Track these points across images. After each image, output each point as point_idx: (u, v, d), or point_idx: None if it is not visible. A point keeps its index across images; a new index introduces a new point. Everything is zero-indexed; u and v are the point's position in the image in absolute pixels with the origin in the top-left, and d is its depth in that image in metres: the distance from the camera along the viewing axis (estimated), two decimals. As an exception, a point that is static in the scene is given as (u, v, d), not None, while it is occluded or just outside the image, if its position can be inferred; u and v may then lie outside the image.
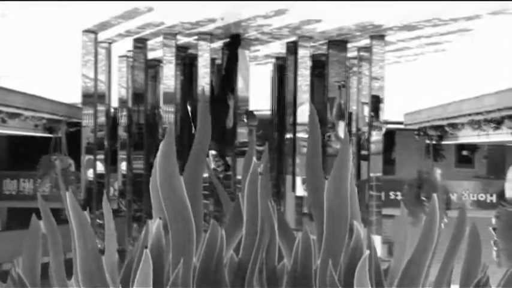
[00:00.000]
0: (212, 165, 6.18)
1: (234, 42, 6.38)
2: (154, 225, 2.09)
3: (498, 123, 10.25)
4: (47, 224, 2.16)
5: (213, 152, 6.12)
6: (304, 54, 6.29)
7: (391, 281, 2.16)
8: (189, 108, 6.59)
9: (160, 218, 2.10)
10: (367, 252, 1.99)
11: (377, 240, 6.27)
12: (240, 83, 6.53)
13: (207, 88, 6.32)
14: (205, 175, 6.83)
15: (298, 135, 6.40)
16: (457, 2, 4.77)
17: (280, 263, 2.24)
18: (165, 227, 2.08)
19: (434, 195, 2.16)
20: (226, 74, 6.63)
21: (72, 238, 2.04)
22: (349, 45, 6.45)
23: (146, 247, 2.00)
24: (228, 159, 6.32)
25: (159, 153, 2.10)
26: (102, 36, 6.37)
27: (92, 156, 6.54)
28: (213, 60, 6.94)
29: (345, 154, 2.12)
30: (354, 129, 7.15)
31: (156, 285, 1.98)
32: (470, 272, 2.26)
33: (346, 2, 4.86)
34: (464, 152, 20.04)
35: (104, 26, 5.96)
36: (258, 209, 2.09)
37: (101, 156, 6.76)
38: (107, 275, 2.03)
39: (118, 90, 7.60)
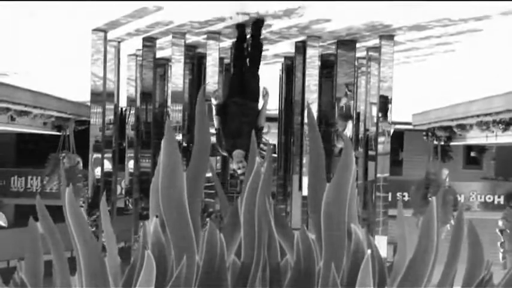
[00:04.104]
0: (233, 166, 5.58)
1: (257, 27, 5.74)
2: (151, 224, 2.09)
3: (507, 124, 10.22)
4: (44, 223, 2.15)
5: (240, 151, 5.44)
6: (312, 54, 6.28)
7: (394, 280, 2.15)
8: (213, 101, 5.83)
9: (156, 216, 2.10)
10: (368, 251, 1.97)
11: (383, 241, 6.26)
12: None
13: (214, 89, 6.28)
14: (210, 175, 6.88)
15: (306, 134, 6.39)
16: (467, 2, 4.75)
17: (283, 259, 2.23)
18: (162, 224, 2.08)
19: (433, 198, 2.14)
20: (252, 66, 5.98)
21: (71, 236, 2.04)
22: (358, 45, 6.43)
23: (147, 248, 1.99)
24: None
25: (161, 152, 2.09)
26: (111, 35, 6.39)
27: (99, 155, 6.56)
28: (221, 59, 6.94)
29: (347, 157, 2.11)
30: (361, 130, 7.15)
31: (159, 282, 1.97)
32: (474, 271, 2.25)
33: (355, 1, 4.85)
34: (473, 153, 19.99)
35: (114, 24, 5.97)
36: (255, 208, 2.08)
37: (109, 155, 6.78)
38: (110, 278, 2.02)
39: (126, 89, 7.62)
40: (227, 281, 2.08)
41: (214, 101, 5.86)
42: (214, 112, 5.76)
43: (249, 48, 5.96)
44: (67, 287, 2.13)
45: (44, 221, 2.15)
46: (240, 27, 5.85)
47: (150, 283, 1.92)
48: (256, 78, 5.88)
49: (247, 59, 6.00)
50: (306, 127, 6.42)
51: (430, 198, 12.36)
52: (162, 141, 2.09)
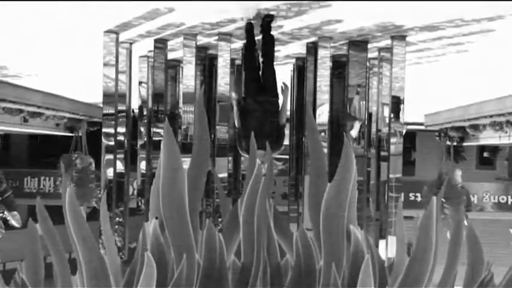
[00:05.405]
0: None
1: (266, 24, 5.53)
2: (151, 225, 2.09)
3: (520, 124, 10.14)
4: (44, 225, 2.16)
5: (261, 151, 5.11)
6: (324, 55, 6.27)
7: (394, 280, 2.14)
8: (234, 95, 5.66)
9: (156, 218, 2.10)
10: (367, 256, 1.97)
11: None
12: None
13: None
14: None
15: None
16: (480, 2, 4.72)
17: (283, 259, 2.23)
18: (161, 225, 2.09)
19: (434, 198, 2.13)
20: (267, 61, 5.72)
21: (70, 236, 2.04)
22: (369, 45, 6.41)
23: (146, 249, 1.99)
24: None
25: (161, 153, 2.10)
26: (123, 36, 6.41)
27: (112, 156, 6.59)
28: (232, 60, 6.94)
29: (347, 158, 2.10)
30: (374, 130, 7.13)
31: (159, 282, 1.98)
32: (475, 272, 2.25)
33: (367, 2, 4.83)
34: (486, 154, 19.82)
35: (125, 26, 5.99)
36: (254, 209, 2.07)
37: (121, 156, 6.80)
38: (111, 278, 2.03)
39: (138, 90, 7.64)
40: (228, 280, 2.08)
41: (234, 95, 5.69)
42: (235, 109, 5.56)
43: (261, 45, 5.80)
44: (68, 287, 2.14)
45: (43, 223, 2.16)
46: (250, 24, 5.73)
47: (150, 283, 1.92)
48: (273, 74, 5.68)
49: (261, 56, 5.83)
50: (318, 128, 6.38)
51: (442, 199, 12.28)
52: (162, 143, 2.09)
